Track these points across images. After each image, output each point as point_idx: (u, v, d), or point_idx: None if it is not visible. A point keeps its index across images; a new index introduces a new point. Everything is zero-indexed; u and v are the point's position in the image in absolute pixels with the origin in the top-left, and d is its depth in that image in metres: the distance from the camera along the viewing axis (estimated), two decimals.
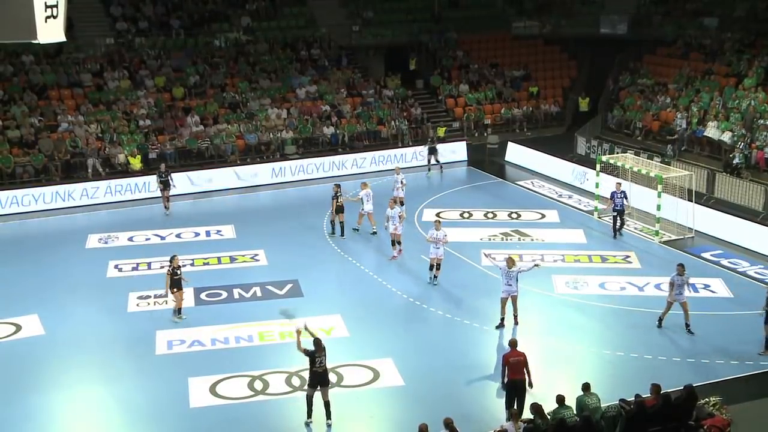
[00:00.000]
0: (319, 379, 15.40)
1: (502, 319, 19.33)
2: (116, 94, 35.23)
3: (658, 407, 14.09)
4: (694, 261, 23.53)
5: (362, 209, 25.71)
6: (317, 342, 15.50)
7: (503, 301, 19.22)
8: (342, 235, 25.70)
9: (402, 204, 26.38)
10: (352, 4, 43.24)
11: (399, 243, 23.88)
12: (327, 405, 15.48)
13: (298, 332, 15.61)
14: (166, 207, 28.92)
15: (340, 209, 25.56)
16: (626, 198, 25.38)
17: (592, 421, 13.72)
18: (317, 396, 15.49)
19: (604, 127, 37.27)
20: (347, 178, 31.63)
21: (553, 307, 20.77)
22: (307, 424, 15.52)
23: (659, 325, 19.21)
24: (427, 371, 17.52)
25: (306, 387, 15.72)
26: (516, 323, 19.36)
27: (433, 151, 33.71)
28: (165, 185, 28.81)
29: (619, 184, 25.63)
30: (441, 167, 33.70)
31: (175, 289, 20.00)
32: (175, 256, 20.38)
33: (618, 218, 25.40)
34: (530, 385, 15.63)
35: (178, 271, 20.02)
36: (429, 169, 33.77)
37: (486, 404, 16.35)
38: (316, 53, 40.04)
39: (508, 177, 33.02)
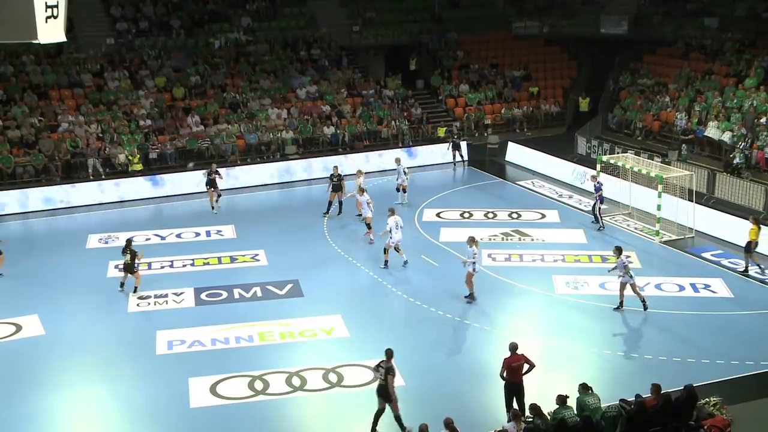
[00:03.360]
0: (378, 391, 15.20)
1: (471, 294, 20.84)
2: (116, 94, 35.24)
3: (659, 407, 14.09)
4: (694, 261, 23.57)
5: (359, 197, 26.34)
6: (386, 351, 15.27)
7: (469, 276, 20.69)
8: (339, 213, 27.67)
9: (404, 191, 29.04)
10: (352, 4, 43.24)
11: (370, 227, 25.00)
12: (397, 419, 15.13)
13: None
14: (212, 207, 28.81)
15: (337, 188, 27.22)
16: (600, 188, 26.15)
17: (593, 421, 13.73)
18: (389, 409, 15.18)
19: (605, 127, 37.25)
20: (347, 178, 31.52)
21: (553, 307, 20.78)
22: None
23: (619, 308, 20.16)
24: (428, 371, 17.53)
25: None
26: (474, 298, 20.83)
27: (456, 147, 34.08)
28: (211, 184, 28.66)
29: (594, 177, 26.82)
30: (464, 163, 34.30)
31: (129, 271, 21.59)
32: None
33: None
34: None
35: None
36: (455, 165, 34.14)
37: (486, 404, 16.34)
38: (317, 53, 40.02)
39: (508, 177, 33.02)
